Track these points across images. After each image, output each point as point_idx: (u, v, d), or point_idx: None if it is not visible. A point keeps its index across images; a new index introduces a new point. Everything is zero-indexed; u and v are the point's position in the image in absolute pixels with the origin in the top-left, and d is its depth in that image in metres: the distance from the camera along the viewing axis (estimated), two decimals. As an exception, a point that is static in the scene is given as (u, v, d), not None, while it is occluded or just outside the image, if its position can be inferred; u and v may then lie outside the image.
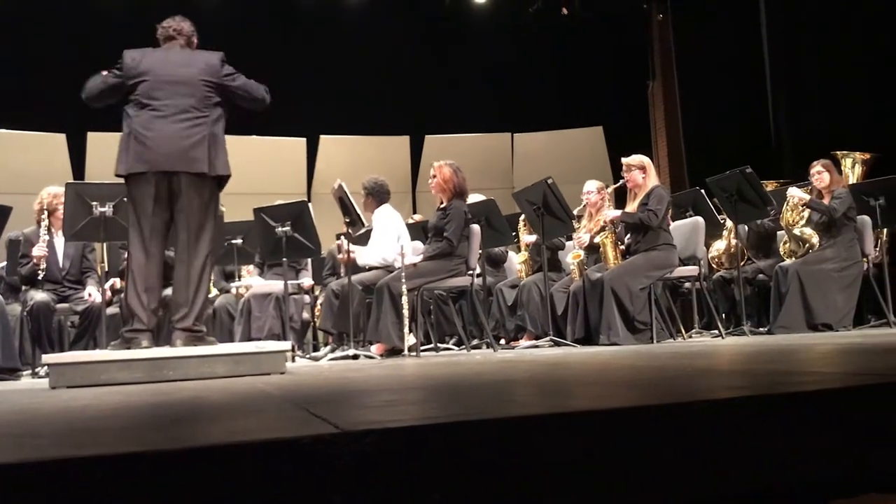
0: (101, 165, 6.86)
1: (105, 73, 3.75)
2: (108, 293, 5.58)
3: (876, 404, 1.34)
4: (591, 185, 5.99)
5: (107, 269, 5.67)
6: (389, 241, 5.35)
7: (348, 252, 5.22)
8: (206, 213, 3.69)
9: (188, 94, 3.69)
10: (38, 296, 5.08)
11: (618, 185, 5.90)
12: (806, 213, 5.80)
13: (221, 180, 3.79)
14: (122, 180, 3.73)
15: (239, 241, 5.82)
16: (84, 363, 3.26)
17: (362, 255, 5.44)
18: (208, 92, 3.75)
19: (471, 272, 5.31)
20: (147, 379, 3.24)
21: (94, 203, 4.60)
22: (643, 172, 5.50)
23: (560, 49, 9.91)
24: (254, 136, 9.00)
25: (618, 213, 5.51)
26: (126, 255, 3.91)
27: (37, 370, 4.81)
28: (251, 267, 6.50)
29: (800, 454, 1.24)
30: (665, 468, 1.15)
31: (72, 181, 5.49)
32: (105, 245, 5.31)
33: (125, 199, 4.49)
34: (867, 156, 6.68)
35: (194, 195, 3.65)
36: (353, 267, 5.32)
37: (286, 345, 3.66)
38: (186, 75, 3.72)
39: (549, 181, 5.44)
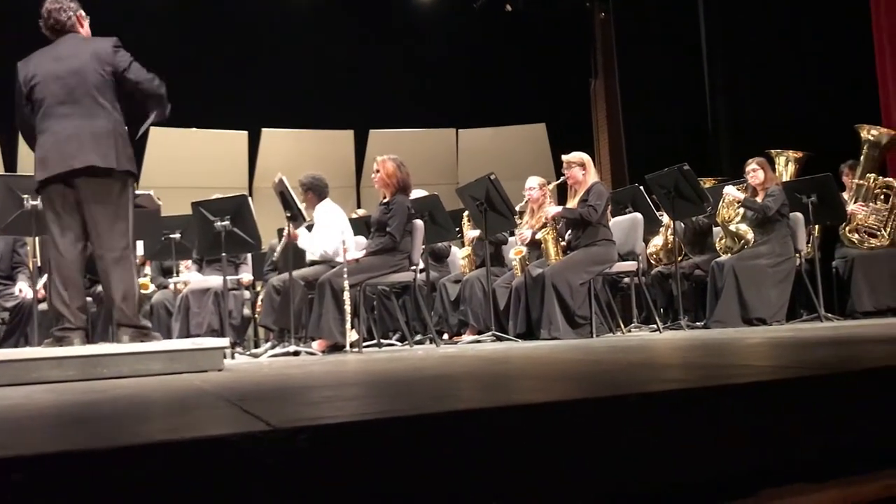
0: (32, 158, 6.65)
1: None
2: (42, 291, 5.43)
3: (804, 396, 1.38)
4: (533, 182, 6.03)
5: (39, 263, 5.51)
6: (332, 235, 5.30)
7: (290, 232, 5.16)
8: (116, 207, 3.54)
9: (80, 87, 3.51)
10: (-35, 292, 4.91)
11: (559, 181, 5.96)
12: (741, 210, 5.94)
13: (135, 175, 3.68)
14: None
15: (177, 235, 5.70)
16: (14, 361, 3.15)
17: (305, 239, 5.38)
18: (102, 81, 3.54)
19: (414, 267, 5.30)
20: (80, 377, 3.14)
21: (26, 196, 4.44)
22: (583, 169, 5.56)
23: (504, 46, 9.95)
24: (193, 129, 8.84)
25: (559, 209, 5.57)
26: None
27: (-36, 369, 4.64)
28: (189, 262, 6.38)
29: (731, 445, 1.27)
30: (600, 460, 1.16)
31: (2, 173, 5.31)
32: (37, 239, 5.16)
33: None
34: (800, 154, 6.87)
35: (100, 191, 3.51)
36: (295, 261, 5.26)
37: (224, 341, 3.60)
38: (75, 66, 3.53)
39: (492, 177, 5.47)
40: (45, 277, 5.57)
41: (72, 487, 0.92)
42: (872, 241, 6.18)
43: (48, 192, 3.53)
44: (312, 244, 5.37)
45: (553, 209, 5.62)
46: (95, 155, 3.48)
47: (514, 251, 5.83)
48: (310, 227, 5.40)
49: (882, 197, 6.24)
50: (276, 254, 5.61)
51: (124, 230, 3.58)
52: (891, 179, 6.33)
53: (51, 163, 3.48)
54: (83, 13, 3.75)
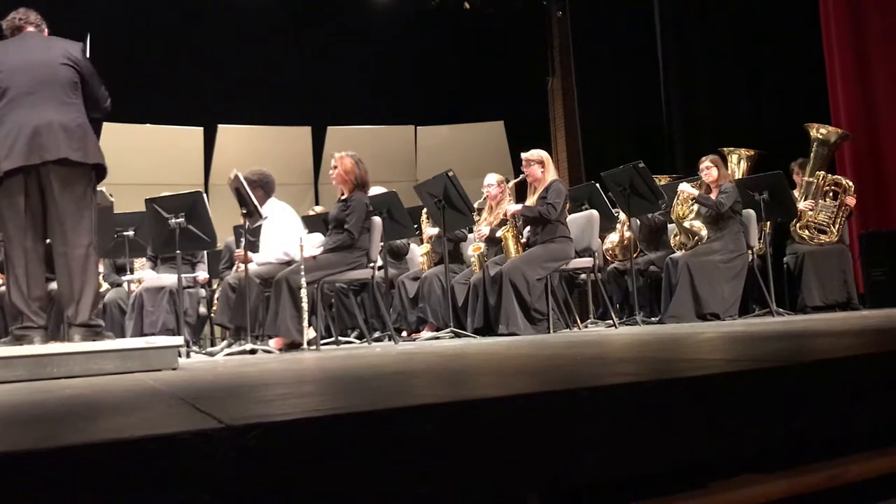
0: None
1: None
2: None
3: (753, 388, 1.40)
4: (492, 179, 6.05)
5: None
6: (288, 234, 5.27)
7: (246, 253, 5.12)
8: (82, 202, 3.50)
9: (50, 80, 3.48)
10: None
11: (518, 179, 5.99)
12: (695, 207, 6.04)
13: (100, 170, 3.62)
14: None
15: (130, 233, 5.61)
16: (-43, 362, 3.07)
17: (262, 256, 5.35)
18: (73, 77, 3.54)
19: (372, 264, 5.28)
20: (29, 377, 3.07)
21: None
22: (542, 167, 5.60)
23: (462, 44, 9.97)
24: (147, 125, 8.71)
25: (518, 207, 5.60)
26: (3, 252, 3.73)
27: None
28: (143, 260, 6.28)
29: (681, 437, 1.28)
30: (552, 452, 1.16)
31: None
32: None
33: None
34: (752, 152, 7.00)
35: (67, 185, 3.45)
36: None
37: (178, 340, 3.55)
38: (44, 59, 3.51)
39: (450, 174, 5.47)
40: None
41: (16, 489, 0.90)
42: (822, 237, 6.32)
43: (9, 184, 3.42)
44: (272, 253, 5.33)
45: (512, 207, 5.65)
46: (68, 147, 3.43)
47: (473, 247, 5.85)
48: (258, 229, 5.36)
49: (831, 194, 6.39)
50: (231, 274, 5.57)
51: (89, 227, 3.52)
52: (839, 177, 6.48)
53: (18, 153, 3.38)
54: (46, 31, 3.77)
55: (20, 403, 1.91)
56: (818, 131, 6.49)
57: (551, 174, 5.62)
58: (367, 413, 1.11)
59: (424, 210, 6.22)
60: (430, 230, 6.33)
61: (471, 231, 6.18)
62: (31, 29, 3.67)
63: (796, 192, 6.47)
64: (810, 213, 6.35)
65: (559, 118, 10.06)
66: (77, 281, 3.47)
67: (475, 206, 5.84)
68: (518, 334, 5.04)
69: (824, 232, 6.34)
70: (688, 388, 1.35)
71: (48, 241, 3.63)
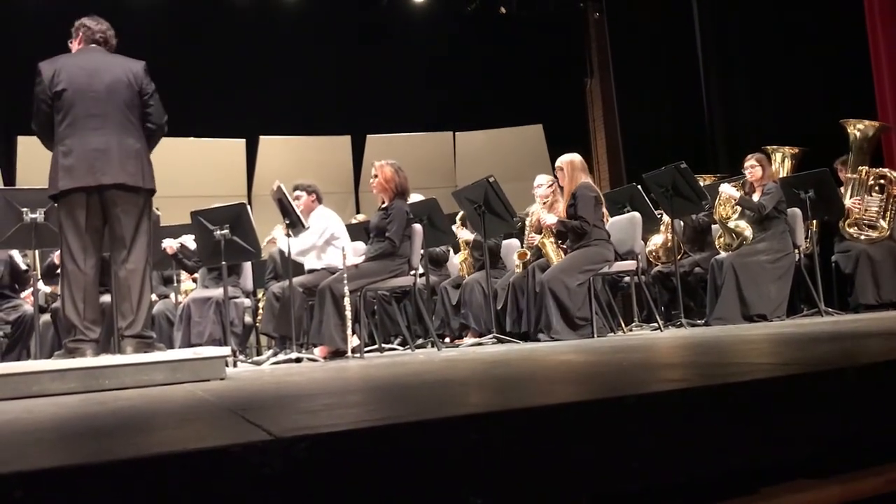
0: (31, 171, 6.66)
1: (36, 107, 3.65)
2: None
3: (804, 393, 1.38)
4: (542, 179, 5.94)
5: (39, 276, 5.51)
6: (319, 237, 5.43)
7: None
8: (140, 221, 3.65)
9: (112, 103, 3.60)
10: (-34, 306, 4.92)
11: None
12: (739, 207, 5.95)
13: (152, 193, 3.74)
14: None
15: (176, 244, 5.71)
16: (13, 374, 3.16)
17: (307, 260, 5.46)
18: (134, 99, 3.66)
19: (413, 272, 5.30)
20: (82, 389, 3.15)
21: (25, 209, 4.46)
22: (564, 172, 5.51)
23: (499, 48, 9.96)
24: (191, 138, 8.85)
25: (555, 220, 5.51)
26: (59, 266, 3.84)
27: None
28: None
29: (731, 443, 1.27)
30: (600, 461, 1.16)
31: (0, 187, 5.32)
32: (37, 252, 5.17)
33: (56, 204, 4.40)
34: (796, 150, 6.87)
35: (128, 206, 3.60)
36: (295, 268, 5.27)
37: (225, 350, 3.61)
38: (108, 81, 3.61)
39: (491, 180, 5.46)
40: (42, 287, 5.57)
41: (73, 503, 0.92)
42: (872, 232, 6.17)
43: (71, 201, 3.55)
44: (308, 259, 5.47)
45: (551, 218, 5.54)
46: (124, 173, 3.57)
47: (518, 254, 5.81)
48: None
49: (877, 188, 6.24)
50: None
51: (145, 244, 3.67)
52: (884, 169, 6.32)
53: (78, 173, 3.51)
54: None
55: (74, 416, 1.96)
56: (856, 127, 6.35)
57: (577, 178, 5.45)
58: (415, 423, 1.12)
59: (458, 217, 6.23)
60: (463, 234, 6.33)
61: (505, 238, 6.17)
62: (101, 43, 3.77)
63: (843, 190, 6.34)
64: (857, 209, 6.21)
65: (598, 119, 10.00)
66: (135, 296, 3.58)
67: (531, 210, 5.83)
68: (560, 339, 5.00)
69: (874, 227, 6.18)
70: (736, 395, 1.33)
71: (105, 254, 3.74)
